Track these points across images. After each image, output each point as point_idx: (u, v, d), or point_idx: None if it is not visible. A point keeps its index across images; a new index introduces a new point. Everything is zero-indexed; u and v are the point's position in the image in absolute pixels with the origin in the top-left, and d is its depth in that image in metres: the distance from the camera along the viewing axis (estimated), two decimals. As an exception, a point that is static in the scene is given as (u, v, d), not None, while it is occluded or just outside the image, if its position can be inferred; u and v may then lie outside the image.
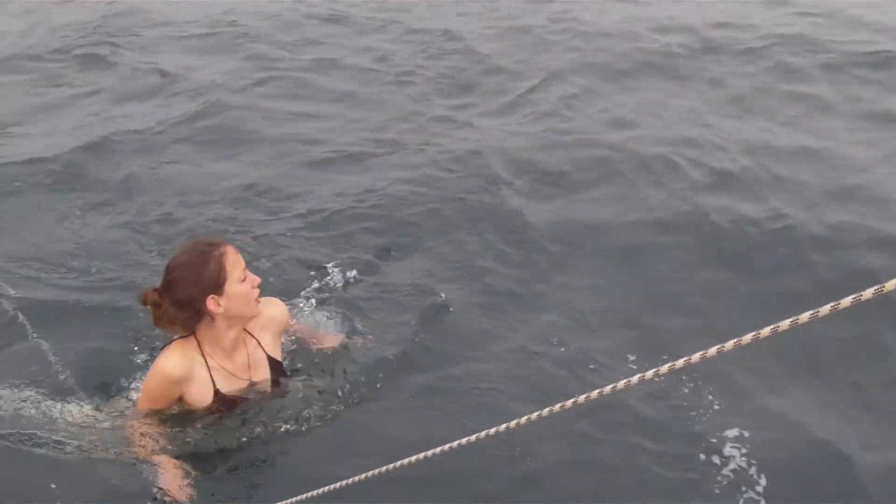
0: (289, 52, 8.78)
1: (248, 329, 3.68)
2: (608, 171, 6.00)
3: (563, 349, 4.16)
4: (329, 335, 4.08)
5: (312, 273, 4.77)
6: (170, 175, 6.13)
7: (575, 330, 4.34)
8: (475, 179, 5.89)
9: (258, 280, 3.59)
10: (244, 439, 3.58)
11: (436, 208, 5.51)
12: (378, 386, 3.84)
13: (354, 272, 4.74)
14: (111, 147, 6.52)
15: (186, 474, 3.41)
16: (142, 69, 8.35)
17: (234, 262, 3.50)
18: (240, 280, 3.51)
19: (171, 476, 3.39)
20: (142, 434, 3.54)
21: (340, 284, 4.66)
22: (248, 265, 3.65)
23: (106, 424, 3.62)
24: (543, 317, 4.46)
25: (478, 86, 7.79)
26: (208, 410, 3.61)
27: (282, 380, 3.75)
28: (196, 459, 3.50)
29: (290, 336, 4.00)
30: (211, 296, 3.47)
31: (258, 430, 3.60)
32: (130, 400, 3.72)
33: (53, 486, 3.40)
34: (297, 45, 9.04)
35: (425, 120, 7.06)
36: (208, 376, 3.59)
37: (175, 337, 3.62)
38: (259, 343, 3.72)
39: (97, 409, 3.71)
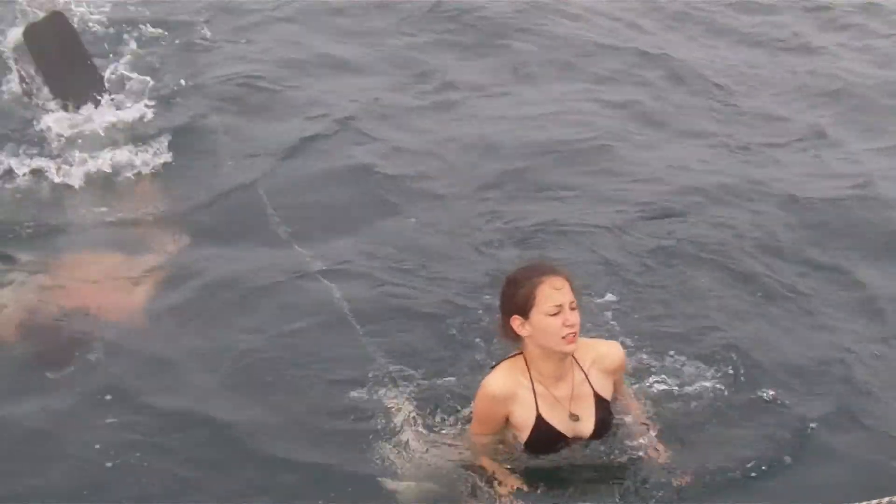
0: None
1: (579, 361, 3.70)
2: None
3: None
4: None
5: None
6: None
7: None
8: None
9: (572, 320, 3.54)
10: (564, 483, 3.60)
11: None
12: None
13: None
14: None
15: None
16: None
17: (548, 295, 3.53)
18: (548, 313, 3.53)
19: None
20: (470, 459, 3.68)
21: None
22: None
23: (434, 448, 3.79)
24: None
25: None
26: (531, 443, 3.68)
27: (608, 419, 3.75)
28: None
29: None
30: (516, 316, 3.58)
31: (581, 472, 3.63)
32: (460, 425, 3.87)
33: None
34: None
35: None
36: (532, 399, 3.67)
37: (506, 356, 3.75)
38: (587, 378, 3.72)
39: (429, 431, 3.88)
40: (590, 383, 3.72)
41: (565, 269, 3.72)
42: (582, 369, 3.71)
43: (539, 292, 3.54)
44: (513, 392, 3.66)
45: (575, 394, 3.70)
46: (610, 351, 3.80)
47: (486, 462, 3.68)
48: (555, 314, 3.52)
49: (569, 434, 3.69)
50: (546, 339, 3.57)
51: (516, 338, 3.66)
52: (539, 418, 3.65)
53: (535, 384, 3.66)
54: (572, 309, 3.55)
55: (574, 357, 3.68)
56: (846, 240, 5.35)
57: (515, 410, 3.67)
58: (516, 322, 3.60)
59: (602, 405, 3.73)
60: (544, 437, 3.67)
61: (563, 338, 3.53)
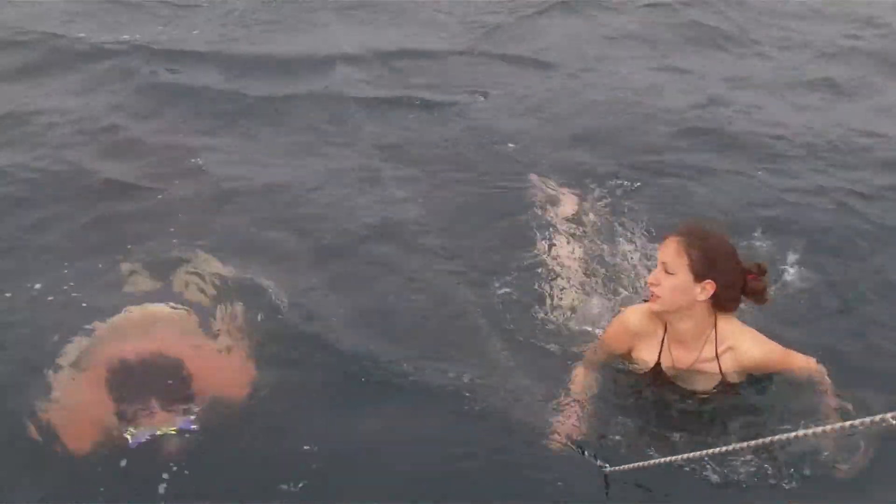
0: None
1: (718, 339, 3.71)
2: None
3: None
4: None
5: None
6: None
7: None
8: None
9: (650, 278, 3.66)
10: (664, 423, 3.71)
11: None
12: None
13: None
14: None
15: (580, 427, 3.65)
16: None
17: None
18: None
19: (568, 419, 3.68)
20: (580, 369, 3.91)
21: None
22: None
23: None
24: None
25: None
26: (645, 381, 3.84)
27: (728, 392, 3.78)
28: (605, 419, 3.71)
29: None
30: None
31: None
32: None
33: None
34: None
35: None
36: (658, 347, 3.81)
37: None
38: (717, 357, 3.73)
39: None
40: (718, 364, 3.72)
41: (692, 228, 3.68)
42: (716, 349, 3.71)
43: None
44: (644, 331, 3.79)
45: (697, 367, 3.75)
46: (749, 349, 3.69)
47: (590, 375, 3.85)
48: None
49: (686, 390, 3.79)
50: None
51: None
52: (658, 365, 3.80)
53: (668, 335, 3.77)
54: (665, 271, 3.59)
55: (716, 333, 3.71)
56: None
57: (639, 347, 3.83)
58: None
59: (728, 388, 3.74)
60: (660, 381, 3.80)
61: (651, 295, 3.64)
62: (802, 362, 3.73)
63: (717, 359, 3.72)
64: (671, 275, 3.59)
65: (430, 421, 3.79)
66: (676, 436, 3.60)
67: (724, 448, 2.90)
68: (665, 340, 3.78)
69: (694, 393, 3.77)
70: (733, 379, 3.74)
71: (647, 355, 3.83)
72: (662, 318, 3.73)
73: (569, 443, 3.57)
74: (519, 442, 3.65)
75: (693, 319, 3.68)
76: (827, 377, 3.70)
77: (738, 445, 2.86)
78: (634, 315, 3.86)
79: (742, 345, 3.70)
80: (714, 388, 3.75)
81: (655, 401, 3.79)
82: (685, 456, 3.10)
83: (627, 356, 3.89)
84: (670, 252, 3.60)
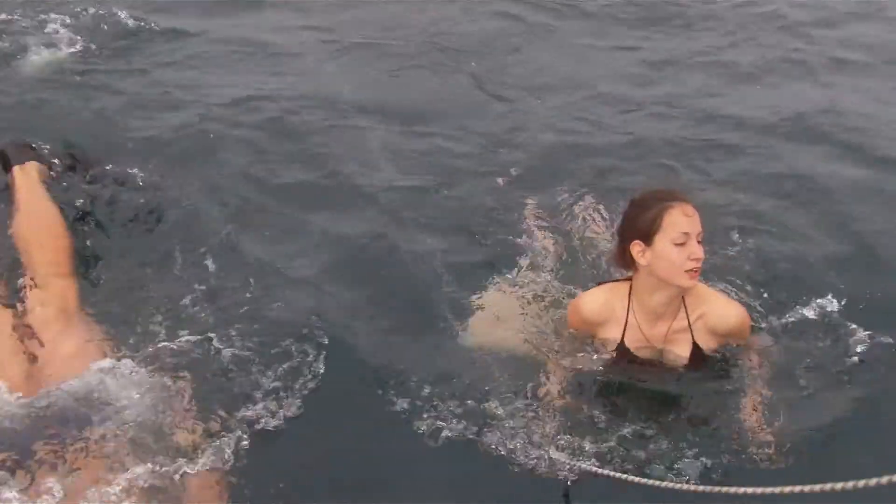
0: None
1: (688, 308, 3.49)
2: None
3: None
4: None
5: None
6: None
7: None
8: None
9: (698, 254, 3.31)
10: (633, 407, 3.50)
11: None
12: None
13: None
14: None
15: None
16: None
17: (676, 223, 3.30)
18: (673, 242, 3.30)
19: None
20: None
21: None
22: (709, 240, 3.50)
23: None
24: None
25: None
26: (610, 362, 3.59)
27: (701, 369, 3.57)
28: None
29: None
30: (637, 241, 3.37)
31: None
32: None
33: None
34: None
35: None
36: (621, 330, 3.56)
37: (614, 279, 3.64)
38: (690, 327, 3.51)
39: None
40: (692, 332, 3.51)
41: (677, 190, 3.48)
42: (688, 317, 3.50)
43: (667, 217, 3.30)
44: (604, 319, 3.56)
45: (670, 338, 3.53)
46: (724, 313, 3.50)
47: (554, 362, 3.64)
48: (681, 244, 3.29)
49: (656, 362, 3.59)
50: (666, 270, 3.34)
51: (632, 266, 3.46)
52: (622, 347, 3.56)
53: (630, 316, 3.52)
54: (699, 242, 3.32)
55: (684, 302, 3.48)
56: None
57: (600, 334, 3.60)
58: (636, 248, 3.37)
59: (700, 357, 3.54)
60: (629, 360, 3.58)
61: (686, 271, 3.32)
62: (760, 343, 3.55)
63: (690, 327, 3.50)
64: (701, 244, 3.35)
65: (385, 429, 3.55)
66: (642, 430, 3.41)
67: (685, 487, 2.82)
68: (629, 319, 3.53)
69: (663, 372, 3.57)
70: (708, 346, 3.54)
71: (609, 336, 3.61)
72: (633, 296, 3.51)
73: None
74: (478, 452, 3.42)
75: (672, 287, 3.44)
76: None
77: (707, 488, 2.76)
78: (591, 302, 3.60)
79: (717, 309, 3.51)
80: (687, 363, 3.54)
81: (622, 389, 3.59)
82: (647, 482, 2.95)
83: (593, 339, 3.67)
84: (699, 220, 3.34)
